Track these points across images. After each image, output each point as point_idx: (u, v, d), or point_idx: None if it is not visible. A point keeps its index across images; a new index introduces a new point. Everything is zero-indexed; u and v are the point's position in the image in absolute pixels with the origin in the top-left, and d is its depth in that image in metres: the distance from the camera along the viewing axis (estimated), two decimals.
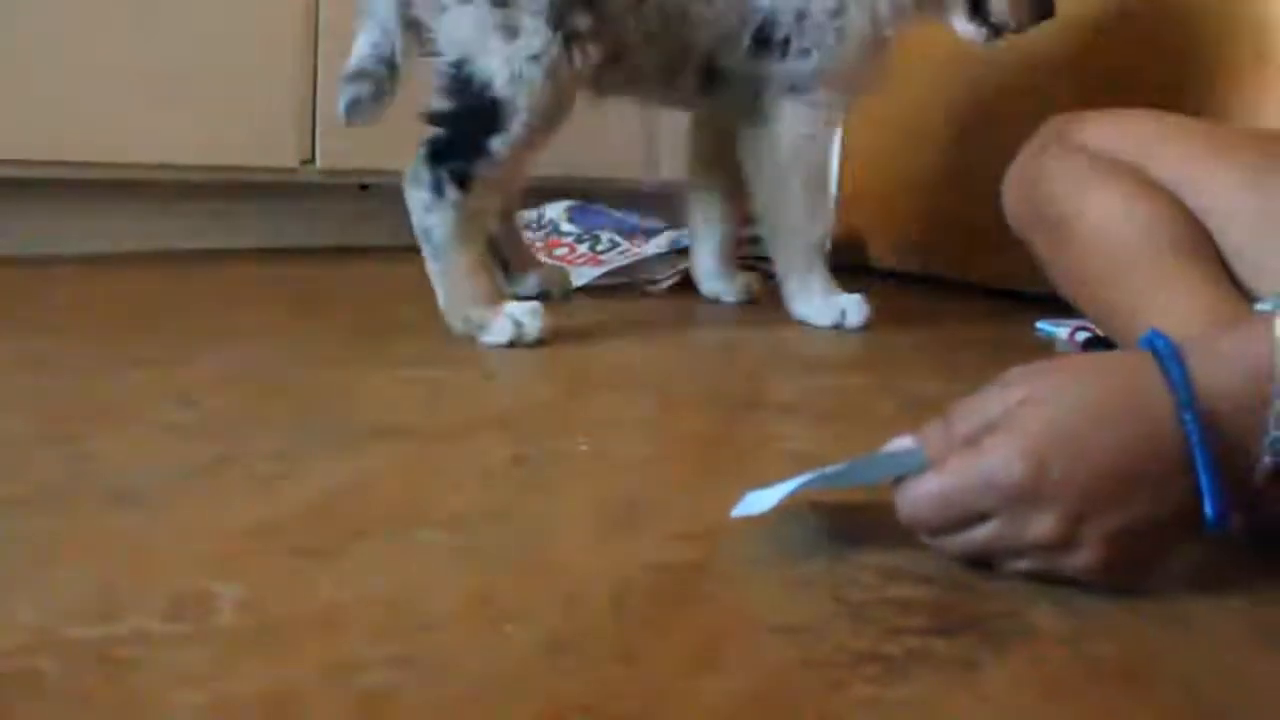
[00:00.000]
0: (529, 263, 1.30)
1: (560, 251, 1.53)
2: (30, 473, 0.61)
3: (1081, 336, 1.25)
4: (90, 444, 0.66)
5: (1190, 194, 0.92)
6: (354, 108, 1.04)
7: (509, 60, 0.98)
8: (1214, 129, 1.01)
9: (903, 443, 0.57)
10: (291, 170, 1.49)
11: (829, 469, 0.56)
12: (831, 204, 1.13)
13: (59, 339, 0.93)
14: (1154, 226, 0.92)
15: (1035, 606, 0.52)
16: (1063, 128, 1.07)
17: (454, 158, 0.98)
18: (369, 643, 0.44)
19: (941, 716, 0.42)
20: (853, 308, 1.26)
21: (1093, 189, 0.97)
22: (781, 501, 0.55)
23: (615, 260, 1.46)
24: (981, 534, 0.53)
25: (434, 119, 1.00)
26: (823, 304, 1.26)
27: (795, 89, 1.19)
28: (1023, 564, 0.54)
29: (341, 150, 1.52)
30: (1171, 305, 0.86)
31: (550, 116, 1.02)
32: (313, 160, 1.52)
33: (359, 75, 1.04)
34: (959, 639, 0.48)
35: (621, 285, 1.44)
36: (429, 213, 0.99)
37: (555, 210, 1.62)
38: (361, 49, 1.04)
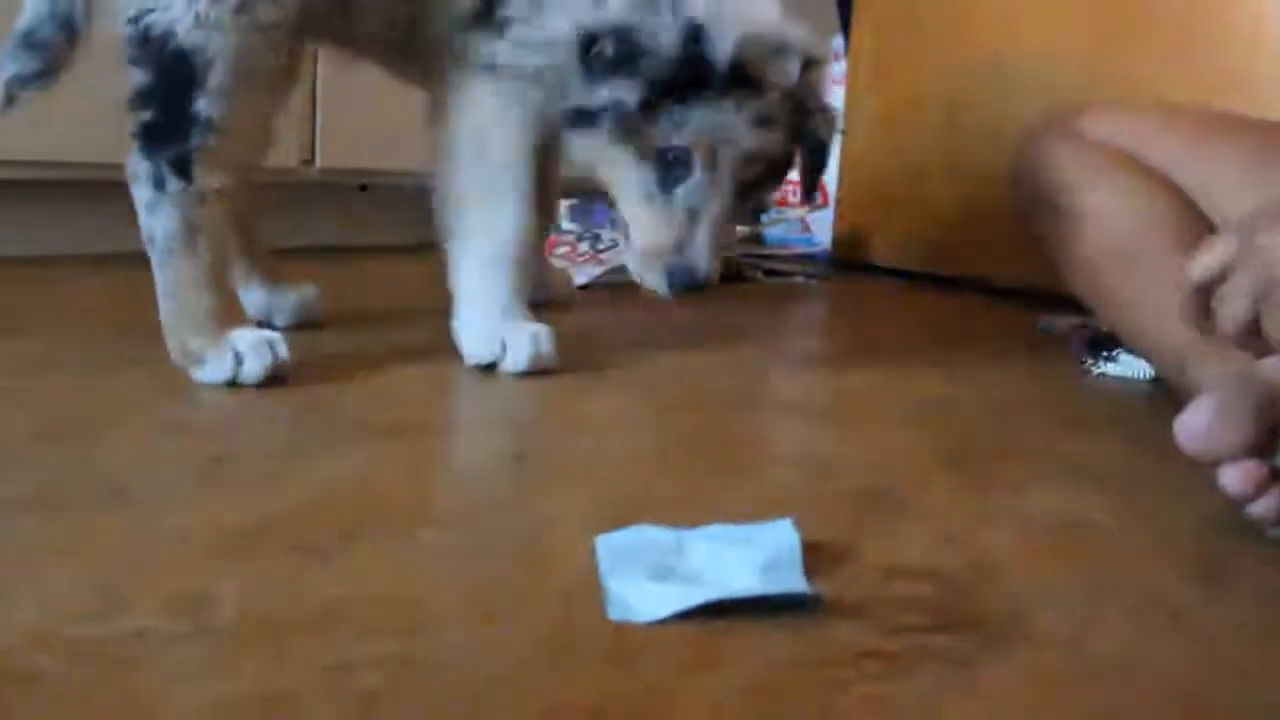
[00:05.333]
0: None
1: (561, 250, 1.53)
2: (29, 472, 0.61)
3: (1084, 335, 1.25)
4: (88, 443, 0.66)
5: (1191, 176, 0.93)
6: (16, 86, 0.85)
7: (189, 2, 0.82)
8: (1215, 115, 1.02)
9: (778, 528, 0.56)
10: (291, 170, 1.49)
11: (720, 591, 0.49)
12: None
13: (57, 339, 0.93)
14: (1157, 218, 0.92)
15: (1036, 606, 0.52)
16: (1064, 117, 1.07)
17: (166, 140, 0.82)
18: (368, 641, 0.44)
19: (942, 714, 0.42)
20: (520, 342, 0.92)
21: (1097, 180, 0.98)
22: (668, 615, 0.48)
23: (616, 259, 1.46)
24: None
25: (133, 100, 0.83)
26: (482, 332, 0.94)
27: (491, 70, 0.95)
28: None
29: (341, 150, 1.52)
30: (1173, 297, 0.86)
31: (256, 63, 0.85)
32: (312, 160, 1.52)
33: (29, 45, 0.85)
34: (960, 637, 0.48)
35: (622, 284, 1.44)
36: (152, 212, 0.83)
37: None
38: (38, 7, 0.86)
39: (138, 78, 0.82)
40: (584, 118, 0.89)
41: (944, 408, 0.93)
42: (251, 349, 0.82)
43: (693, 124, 0.87)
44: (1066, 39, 1.50)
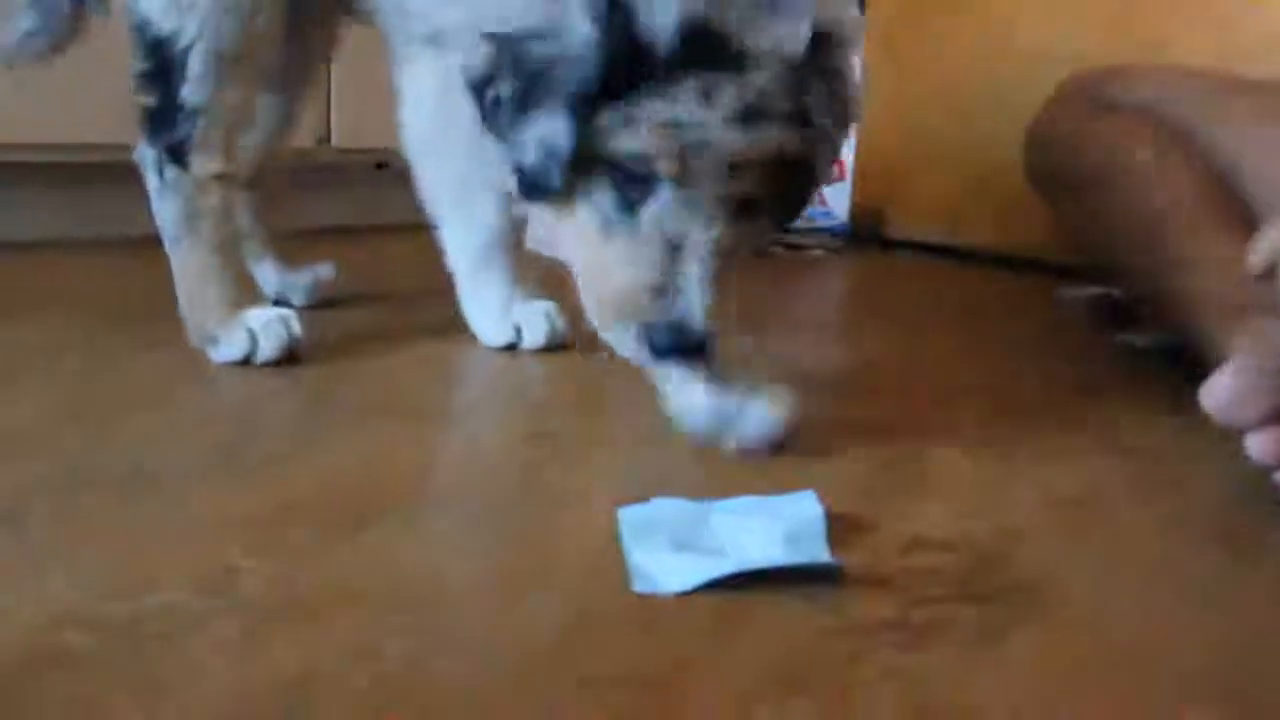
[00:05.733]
0: None
1: None
2: (54, 454, 0.61)
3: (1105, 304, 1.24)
4: (110, 426, 0.67)
5: (1216, 140, 0.92)
6: (19, 44, 0.84)
7: None
8: (1241, 79, 1.00)
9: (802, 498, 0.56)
10: (308, 150, 1.49)
11: (743, 563, 0.49)
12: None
13: (78, 323, 0.93)
14: (1185, 182, 0.91)
15: (1059, 577, 0.52)
16: (1095, 85, 1.06)
17: (162, 127, 0.80)
18: (393, 618, 0.44)
19: (963, 684, 0.42)
20: (534, 322, 0.92)
21: (1123, 145, 0.97)
22: (693, 587, 0.48)
23: None
24: None
25: (137, 86, 0.81)
26: (494, 317, 0.93)
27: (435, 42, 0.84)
28: None
29: (357, 129, 1.52)
30: (1210, 256, 0.85)
31: (243, 42, 0.80)
32: (329, 139, 1.51)
33: (36, 4, 0.84)
34: (982, 608, 0.48)
35: None
36: (159, 198, 0.82)
37: None
38: None
39: (137, 63, 0.80)
40: (531, 189, 0.68)
41: (963, 379, 0.93)
42: (265, 328, 0.81)
43: (642, 121, 0.63)
44: (1087, 7, 1.48)
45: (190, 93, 0.79)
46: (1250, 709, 0.42)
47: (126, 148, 0.83)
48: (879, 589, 0.49)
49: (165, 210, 0.82)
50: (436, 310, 1.03)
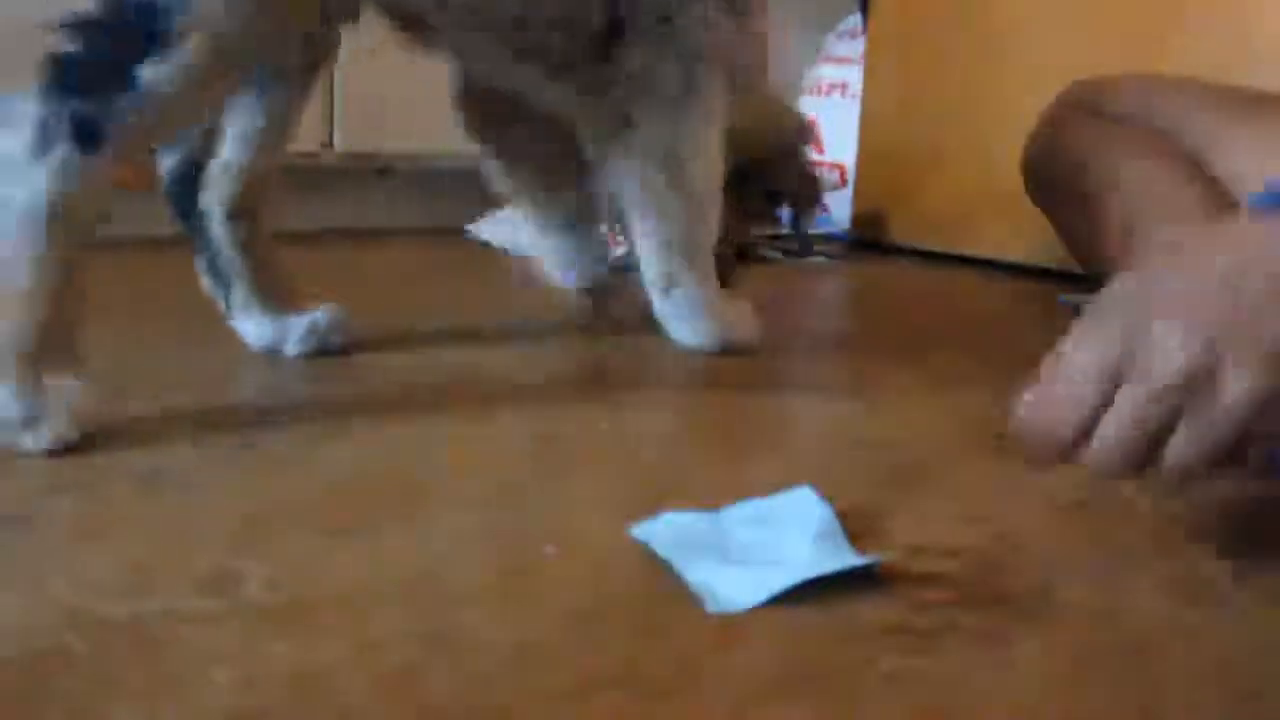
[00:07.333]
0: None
1: None
2: (57, 455, 0.61)
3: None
4: (114, 425, 0.67)
5: (1221, 159, 0.92)
6: None
7: None
8: (1244, 95, 1.00)
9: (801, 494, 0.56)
10: (310, 154, 1.50)
11: (800, 570, 0.49)
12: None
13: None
14: (1184, 196, 0.91)
15: (1065, 580, 0.52)
16: (1089, 95, 1.06)
17: (80, 90, 0.62)
18: (396, 619, 0.44)
19: (970, 688, 0.42)
20: (744, 321, 0.98)
21: (1121, 158, 0.97)
22: (765, 599, 0.47)
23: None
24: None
25: (69, 26, 0.63)
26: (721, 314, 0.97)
27: None
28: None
29: (360, 134, 1.52)
30: None
31: (235, 39, 0.67)
32: (331, 144, 1.52)
33: None
34: (988, 612, 0.48)
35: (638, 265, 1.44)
36: (12, 172, 0.61)
37: None
38: None
39: (93, 8, 0.64)
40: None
41: (965, 383, 0.93)
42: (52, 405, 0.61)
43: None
44: (1090, 15, 1.48)
45: (152, 75, 0.63)
46: (1258, 713, 0.42)
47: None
48: (882, 594, 0.49)
49: (22, 194, 0.61)
50: (439, 316, 1.04)
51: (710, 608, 0.46)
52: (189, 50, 0.64)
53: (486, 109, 1.02)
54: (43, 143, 0.61)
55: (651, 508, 0.55)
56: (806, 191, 1.13)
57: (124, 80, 0.63)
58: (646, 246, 0.94)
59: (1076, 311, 1.28)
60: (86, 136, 0.62)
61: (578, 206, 1.08)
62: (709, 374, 0.92)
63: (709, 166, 0.92)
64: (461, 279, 0.93)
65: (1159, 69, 1.19)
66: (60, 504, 0.54)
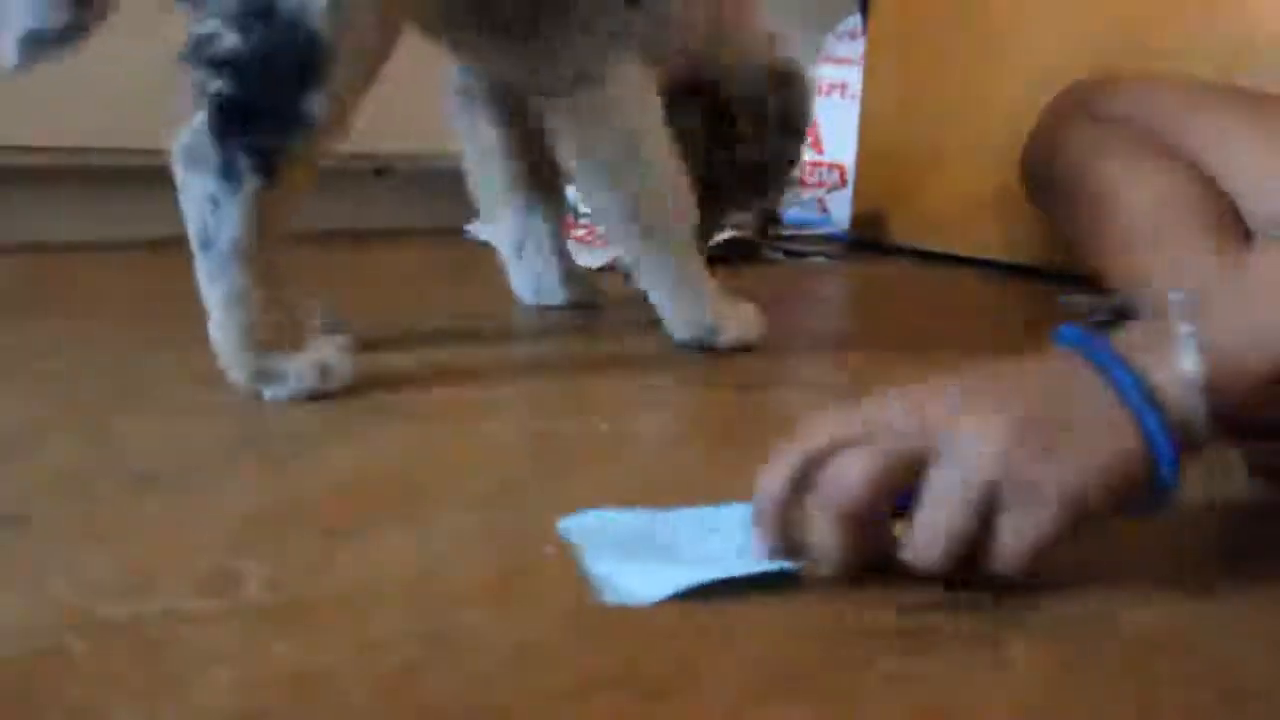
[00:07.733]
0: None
1: (579, 233, 1.53)
2: (57, 455, 0.61)
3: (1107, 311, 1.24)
4: (115, 427, 0.67)
5: (1221, 159, 0.92)
6: (33, 41, 0.67)
7: None
8: (1243, 95, 1.00)
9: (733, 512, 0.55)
10: None
11: (707, 573, 0.48)
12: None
13: (80, 324, 0.93)
14: (1181, 197, 0.91)
15: (1061, 580, 0.52)
16: (1088, 95, 1.06)
17: (253, 125, 0.67)
18: (396, 619, 0.44)
19: (969, 688, 0.42)
20: (746, 318, 0.98)
21: (1118, 159, 0.97)
22: (665, 597, 0.47)
23: None
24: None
25: (217, 63, 0.66)
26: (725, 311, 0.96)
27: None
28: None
29: (356, 134, 1.52)
30: (1166, 264, 0.86)
31: (375, 63, 0.73)
32: None
33: None
34: (986, 613, 0.48)
35: None
36: (216, 208, 0.68)
37: (574, 191, 1.61)
38: None
39: (233, 40, 0.66)
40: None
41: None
42: (336, 355, 0.74)
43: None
44: (1090, 16, 1.48)
45: (320, 106, 0.68)
46: (1256, 715, 0.42)
47: (148, 152, 0.81)
48: (879, 595, 0.49)
49: (225, 224, 0.68)
50: (435, 317, 1.04)
51: (606, 598, 0.47)
52: (343, 81, 0.69)
53: (480, 105, 1.03)
54: (230, 178, 0.67)
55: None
56: (789, 131, 1.05)
57: (296, 112, 0.67)
58: (612, 228, 0.92)
59: (1082, 312, 1.29)
60: (267, 171, 0.68)
61: (546, 229, 1.08)
62: (709, 374, 0.92)
63: (657, 137, 0.89)
64: (461, 279, 0.93)
65: (1159, 69, 1.20)
66: (60, 504, 0.54)
